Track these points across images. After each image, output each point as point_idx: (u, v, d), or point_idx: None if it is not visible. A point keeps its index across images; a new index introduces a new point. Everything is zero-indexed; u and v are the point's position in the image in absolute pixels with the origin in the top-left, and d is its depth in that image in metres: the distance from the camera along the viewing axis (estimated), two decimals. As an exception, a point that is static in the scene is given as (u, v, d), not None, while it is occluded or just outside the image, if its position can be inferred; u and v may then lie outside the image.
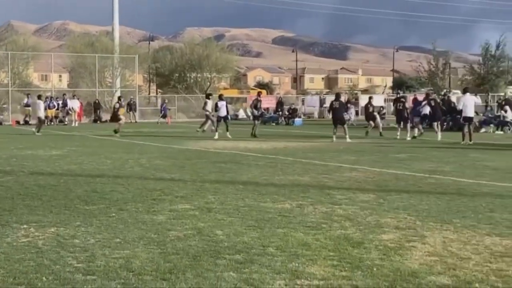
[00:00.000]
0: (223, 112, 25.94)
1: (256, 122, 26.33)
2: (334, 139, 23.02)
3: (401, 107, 25.83)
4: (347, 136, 23.09)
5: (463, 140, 20.97)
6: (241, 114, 48.38)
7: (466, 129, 21.17)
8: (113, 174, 12.99)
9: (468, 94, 21.63)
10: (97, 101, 45.25)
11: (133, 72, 51.69)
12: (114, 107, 30.26)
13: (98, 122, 43.09)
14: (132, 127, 35.62)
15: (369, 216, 8.26)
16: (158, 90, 71.72)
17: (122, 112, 44.01)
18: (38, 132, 28.42)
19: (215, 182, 11.63)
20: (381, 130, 26.72)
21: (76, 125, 38.49)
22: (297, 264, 5.83)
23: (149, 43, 79.72)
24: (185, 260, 6.00)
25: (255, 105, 26.81)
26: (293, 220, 8.00)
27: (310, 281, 5.31)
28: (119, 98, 33.77)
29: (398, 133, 24.92)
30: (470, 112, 21.29)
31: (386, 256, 6.16)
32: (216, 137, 24.69)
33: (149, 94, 69.69)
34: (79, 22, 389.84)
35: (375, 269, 5.67)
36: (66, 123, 40.02)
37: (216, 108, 26.29)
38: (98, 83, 48.41)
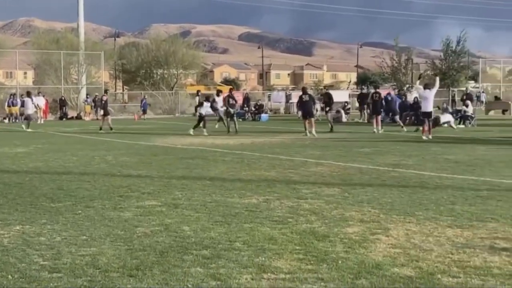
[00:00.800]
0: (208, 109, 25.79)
1: (233, 119, 26.19)
2: (308, 134, 23.14)
3: (377, 98, 26.18)
4: (314, 130, 23.22)
5: (423, 134, 21.16)
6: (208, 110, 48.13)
7: (426, 124, 21.41)
8: (79, 171, 12.84)
9: (428, 89, 21.84)
10: (62, 98, 44.66)
11: (99, 68, 51.09)
12: (101, 101, 29.72)
13: (64, 119, 42.54)
14: (98, 124, 35.21)
15: (334, 210, 8.32)
16: (125, 86, 71.07)
17: (88, 109, 43.76)
18: (27, 128, 28.56)
19: (182, 178, 11.59)
20: (331, 126, 25.94)
21: (42, 122, 37.90)
22: (263, 259, 5.84)
23: (115, 39, 78.86)
24: (152, 256, 5.97)
25: (230, 102, 26.61)
26: (260, 215, 8.01)
27: (277, 275, 5.33)
28: (105, 91, 33.52)
29: (375, 127, 25.19)
30: (429, 107, 21.53)
31: (351, 249, 6.21)
32: (206, 133, 24.26)
33: (115, 90, 68.94)
34: (44, 18, 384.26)
35: (340, 262, 5.72)
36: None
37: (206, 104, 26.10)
38: (64, 80, 47.74)
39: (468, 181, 10.95)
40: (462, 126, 29.09)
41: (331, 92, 32.03)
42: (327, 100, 27.08)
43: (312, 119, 24.05)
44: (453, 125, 27.10)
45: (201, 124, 25.07)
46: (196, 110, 30.65)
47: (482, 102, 47.69)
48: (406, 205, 8.62)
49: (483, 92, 53.61)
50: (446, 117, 27.44)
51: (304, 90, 25.76)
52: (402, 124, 26.78)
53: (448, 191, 9.74)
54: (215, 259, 5.85)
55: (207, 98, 27.73)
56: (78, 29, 52.09)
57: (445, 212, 8.07)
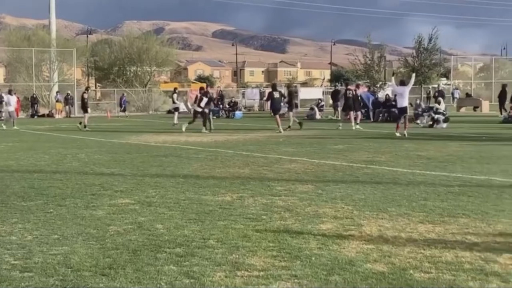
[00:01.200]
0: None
1: (211, 116, 26.08)
2: (282, 131, 23.21)
3: (350, 95, 26.38)
4: (281, 128, 23.37)
5: (396, 130, 21.28)
6: (182, 107, 47.99)
7: (401, 120, 21.56)
8: (51, 170, 12.70)
9: (403, 85, 21.97)
10: (34, 96, 44.16)
11: (71, 66, 50.60)
12: (82, 98, 29.31)
13: (36, 116, 42.07)
14: (69, 121, 34.90)
15: (308, 206, 8.34)
16: (97, 84, 70.44)
17: (59, 106, 43.29)
18: (14, 126, 28.51)
19: (155, 176, 11.52)
20: (290, 124, 25.27)
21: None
22: (237, 256, 5.84)
23: (87, 36, 78.18)
24: (125, 255, 5.92)
25: (214, 99, 26.42)
26: (234, 212, 8.01)
27: (250, 272, 5.33)
28: (86, 88, 33.21)
29: (352, 124, 25.42)
30: (404, 103, 21.68)
31: (324, 245, 6.23)
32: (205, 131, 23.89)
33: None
34: (15, 15, 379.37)
35: (313, 258, 5.74)
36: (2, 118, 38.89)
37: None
38: (35, 78, 47.22)
39: (440, 177, 11.06)
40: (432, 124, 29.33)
41: (303, 89, 32.10)
42: (289, 98, 26.74)
43: (277, 116, 24.11)
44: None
45: (191, 122, 24.82)
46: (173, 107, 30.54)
47: (456, 98, 48.28)
48: (379, 201, 8.68)
49: (456, 89, 54.29)
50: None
51: (274, 87, 25.80)
52: (353, 121, 26.26)
53: (420, 187, 9.83)
54: (188, 257, 5.83)
55: (206, 93, 27.38)
56: (50, 26, 51.52)
57: (417, 208, 8.14)
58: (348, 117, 26.37)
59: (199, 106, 25.05)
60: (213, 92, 44.26)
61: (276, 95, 24.41)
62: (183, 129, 24.11)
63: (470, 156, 14.50)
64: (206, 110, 24.81)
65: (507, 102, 34.39)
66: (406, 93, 21.64)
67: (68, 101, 43.68)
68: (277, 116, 23.98)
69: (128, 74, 61.58)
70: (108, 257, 5.83)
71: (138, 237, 6.65)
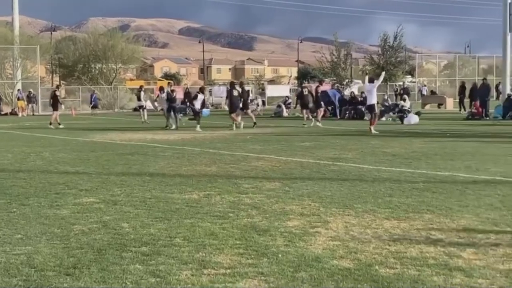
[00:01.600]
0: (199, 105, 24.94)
1: (178, 115, 25.91)
2: (234, 128, 23.48)
3: (306, 93, 26.59)
4: (235, 125, 23.71)
5: (371, 127, 21.17)
6: (148, 105, 47.69)
7: (370, 117, 21.69)
8: (14, 169, 12.50)
9: (371, 83, 22.13)
10: (-4, 94, 43.41)
11: (34, 63, 49.81)
12: (54, 95, 28.76)
13: (-2, 115, 41.34)
14: (33, 120, 34.40)
15: (275, 204, 8.36)
16: (62, 81, 69.50)
17: (21, 104, 42.58)
18: None
19: (121, 174, 11.42)
20: (254, 121, 25.37)
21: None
22: (204, 254, 5.82)
23: (51, 33, 77.06)
24: (90, 254, 5.86)
25: (192, 97, 26.19)
26: (201, 210, 7.99)
27: (217, 270, 5.32)
28: (57, 86, 32.69)
29: (305, 120, 25.63)
30: (373, 100, 21.88)
31: (291, 242, 6.26)
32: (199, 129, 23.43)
33: (52, 85, 67.39)
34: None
35: (280, 255, 5.75)
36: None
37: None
38: (-2, 75, 46.40)
39: (405, 173, 11.19)
40: (399, 121, 29.65)
41: (270, 86, 32.21)
42: (245, 97, 26.51)
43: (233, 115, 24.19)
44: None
45: (198, 121, 24.42)
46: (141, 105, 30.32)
47: (424, 95, 48.90)
48: (345, 198, 8.74)
49: (425, 86, 55.01)
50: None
51: (232, 85, 25.78)
52: (305, 117, 26.43)
53: (386, 184, 9.93)
54: (154, 255, 5.79)
55: (201, 89, 27.10)
56: (13, 22, 50.61)
57: (382, 204, 8.22)
58: (307, 115, 26.46)
59: (191, 104, 25.08)
60: (179, 89, 44.11)
61: (235, 93, 24.54)
62: (198, 129, 23.52)
63: (434, 152, 14.69)
64: (198, 107, 24.64)
65: (466, 99, 35.09)
66: (374, 91, 21.85)
67: (30, 99, 42.99)
68: (233, 115, 24.09)
69: (93, 71, 60.82)
70: (73, 257, 5.76)
71: (103, 236, 6.59)
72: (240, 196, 8.97)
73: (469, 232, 6.65)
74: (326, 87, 32.16)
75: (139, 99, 31.79)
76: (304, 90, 27.61)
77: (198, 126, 23.64)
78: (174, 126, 24.97)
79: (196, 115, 24.77)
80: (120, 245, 6.19)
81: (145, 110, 30.34)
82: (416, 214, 7.56)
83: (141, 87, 34.25)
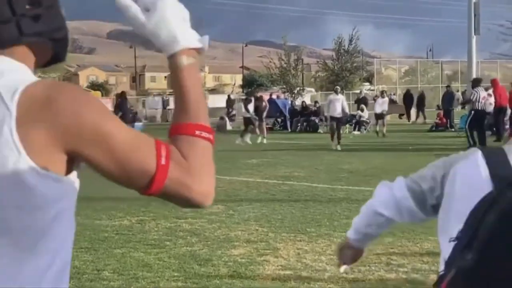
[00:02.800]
0: None
1: None
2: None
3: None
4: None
5: (336, 140, 21.18)
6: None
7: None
8: None
9: (337, 94, 22.55)
10: None
11: None
12: None
13: None
14: None
15: (218, 229, 8.35)
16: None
17: None
18: None
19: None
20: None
21: None
22: (136, 289, 5.77)
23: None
24: (4, 292, 5.72)
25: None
26: (133, 238, 7.91)
27: (152, 307, 5.27)
28: None
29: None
30: (336, 112, 22.03)
31: (236, 272, 6.26)
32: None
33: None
34: None
35: (224, 288, 5.75)
36: None
37: None
38: None
39: (364, 192, 11.30)
40: (357, 132, 30.13)
41: (212, 96, 32.28)
42: None
43: None
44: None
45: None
46: None
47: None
48: (297, 221, 8.80)
49: (392, 94, 55.95)
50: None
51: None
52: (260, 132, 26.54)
53: (342, 204, 10.04)
54: (79, 292, 5.71)
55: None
56: None
57: (339, 227, 8.30)
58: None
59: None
60: (108, 101, 43.68)
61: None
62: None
63: (395, 168, 14.91)
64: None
65: (427, 109, 36.51)
66: (339, 103, 22.00)
67: None
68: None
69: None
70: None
71: (20, 271, 6.45)
72: (178, 222, 8.92)
73: (433, 256, 6.76)
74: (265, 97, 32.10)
75: None
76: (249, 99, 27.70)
77: None
78: None
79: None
80: (39, 281, 6.07)
81: None
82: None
83: None
